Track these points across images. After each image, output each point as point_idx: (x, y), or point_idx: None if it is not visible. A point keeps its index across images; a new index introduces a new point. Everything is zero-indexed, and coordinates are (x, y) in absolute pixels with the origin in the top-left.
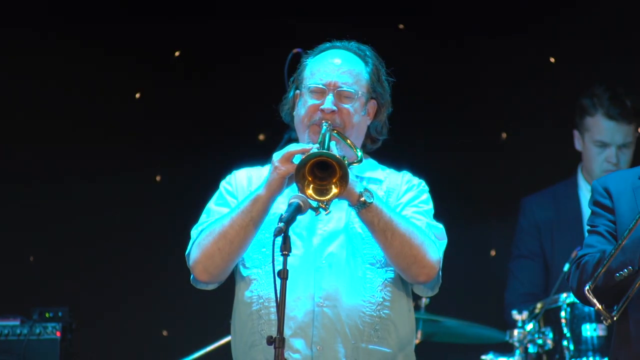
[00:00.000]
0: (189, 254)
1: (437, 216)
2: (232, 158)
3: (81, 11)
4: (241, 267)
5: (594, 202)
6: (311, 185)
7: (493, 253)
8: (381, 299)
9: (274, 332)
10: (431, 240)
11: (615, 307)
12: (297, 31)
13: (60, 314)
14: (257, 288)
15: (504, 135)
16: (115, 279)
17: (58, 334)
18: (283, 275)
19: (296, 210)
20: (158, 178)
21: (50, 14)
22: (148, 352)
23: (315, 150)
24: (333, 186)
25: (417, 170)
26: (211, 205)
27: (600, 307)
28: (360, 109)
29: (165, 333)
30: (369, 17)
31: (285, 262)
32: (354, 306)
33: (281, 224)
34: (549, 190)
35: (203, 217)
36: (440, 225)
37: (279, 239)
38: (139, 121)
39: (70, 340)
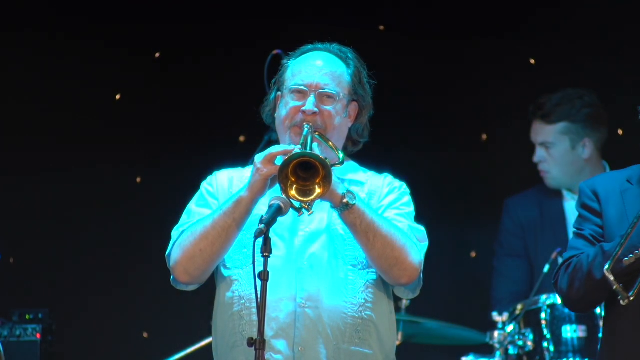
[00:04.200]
0: (169, 254)
1: (418, 217)
2: (212, 159)
3: (62, 11)
4: (222, 268)
5: (582, 205)
6: (294, 186)
7: (474, 254)
8: (363, 300)
9: (255, 333)
10: (413, 242)
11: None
12: (277, 32)
13: (40, 315)
14: (238, 289)
15: (484, 136)
16: (95, 281)
17: (38, 335)
18: (263, 276)
19: (277, 211)
20: (138, 179)
21: (27, 13)
22: (128, 354)
23: (298, 151)
24: (316, 187)
25: (398, 171)
26: (192, 206)
27: (618, 286)
28: (341, 110)
29: (145, 335)
30: (352, 18)
31: (265, 264)
32: (336, 307)
33: (262, 226)
34: (532, 191)
35: (184, 217)
36: (422, 228)
37: (260, 240)
38: (119, 122)
39: (51, 342)
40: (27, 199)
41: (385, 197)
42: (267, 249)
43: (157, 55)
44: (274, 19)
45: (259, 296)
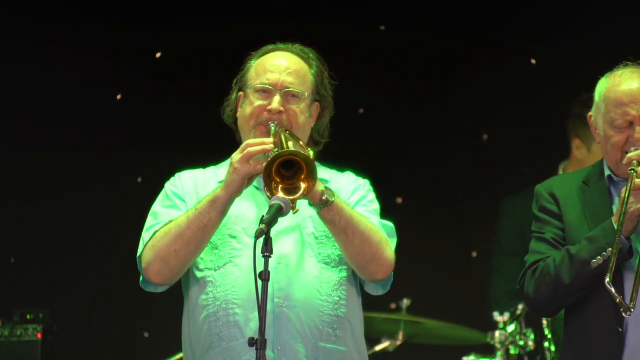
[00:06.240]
0: (140, 256)
1: (420, 217)
2: (212, 159)
3: (62, 14)
4: (194, 270)
5: (540, 208)
6: (280, 186)
7: (474, 254)
8: (337, 298)
9: (233, 334)
10: (386, 238)
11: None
12: (277, 32)
13: (41, 315)
14: (212, 290)
15: (484, 136)
16: (96, 280)
17: (39, 335)
18: (264, 276)
19: (277, 211)
20: (139, 179)
21: (29, 16)
22: (129, 353)
23: (283, 150)
24: (301, 183)
25: (398, 172)
26: (157, 207)
27: (620, 298)
28: (305, 110)
29: (146, 334)
30: (353, 18)
31: (266, 264)
32: (313, 306)
33: (262, 225)
34: (530, 190)
35: (150, 219)
36: (391, 224)
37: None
38: (119, 122)
39: (51, 342)
40: (27, 198)
41: (352, 194)
42: (267, 248)
43: (158, 55)
44: (273, 20)
45: (259, 296)
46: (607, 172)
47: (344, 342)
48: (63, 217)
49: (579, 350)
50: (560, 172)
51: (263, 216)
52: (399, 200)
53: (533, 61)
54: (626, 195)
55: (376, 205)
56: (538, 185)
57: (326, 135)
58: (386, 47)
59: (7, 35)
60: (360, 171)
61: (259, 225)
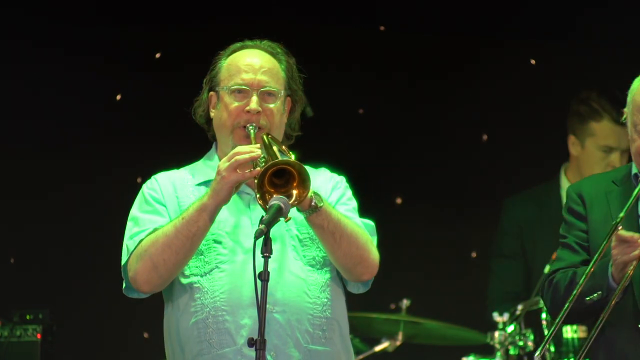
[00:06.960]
0: (126, 265)
1: (419, 218)
2: None
3: (62, 13)
4: (180, 277)
5: (568, 210)
6: (274, 196)
7: (474, 255)
8: (325, 300)
9: (224, 341)
10: (371, 239)
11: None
12: (276, 33)
13: (40, 315)
14: (200, 297)
15: (484, 137)
16: (96, 281)
17: (38, 336)
18: (264, 276)
19: (277, 212)
20: (139, 180)
21: (31, 16)
22: (129, 354)
23: (277, 159)
24: (293, 190)
25: (398, 172)
26: (137, 213)
27: None
28: (281, 107)
29: (146, 335)
30: (353, 18)
31: (266, 264)
32: (303, 309)
33: (262, 226)
34: (531, 191)
35: (131, 226)
36: (371, 222)
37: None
38: (120, 122)
39: (51, 342)
40: (27, 199)
41: (331, 193)
42: (267, 249)
43: (158, 55)
44: (273, 20)
45: (259, 296)
46: (634, 170)
47: (332, 343)
48: (63, 217)
49: (605, 347)
50: (562, 172)
51: (263, 217)
52: (399, 200)
53: (533, 61)
54: (630, 201)
55: (354, 203)
56: (568, 187)
57: (297, 129)
58: (386, 47)
59: (7, 35)
60: (360, 171)
61: (259, 225)
